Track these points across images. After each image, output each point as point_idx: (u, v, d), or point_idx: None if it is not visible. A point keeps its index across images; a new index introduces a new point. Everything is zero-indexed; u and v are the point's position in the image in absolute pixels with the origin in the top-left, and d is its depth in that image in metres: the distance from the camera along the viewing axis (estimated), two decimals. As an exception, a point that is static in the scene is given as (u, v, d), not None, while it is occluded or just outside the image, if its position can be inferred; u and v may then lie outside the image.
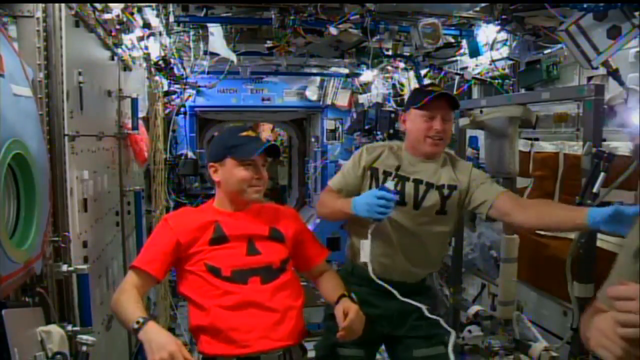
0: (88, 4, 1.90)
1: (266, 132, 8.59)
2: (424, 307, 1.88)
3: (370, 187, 2.10)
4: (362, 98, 5.43)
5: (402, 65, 3.94)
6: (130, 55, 2.73)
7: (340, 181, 2.20)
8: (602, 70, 2.20)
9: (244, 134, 1.90)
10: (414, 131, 2.11)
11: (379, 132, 4.52)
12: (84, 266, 1.61)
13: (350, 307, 1.79)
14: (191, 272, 1.77)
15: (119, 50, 2.47)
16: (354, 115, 5.67)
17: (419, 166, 2.09)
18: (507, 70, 3.16)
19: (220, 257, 1.77)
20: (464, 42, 3.31)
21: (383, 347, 2.25)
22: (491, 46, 3.08)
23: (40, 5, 1.49)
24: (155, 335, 1.52)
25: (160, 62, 3.43)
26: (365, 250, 1.92)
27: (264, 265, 1.79)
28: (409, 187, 2.07)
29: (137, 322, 1.54)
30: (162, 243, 1.79)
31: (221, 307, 1.71)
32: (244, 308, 1.72)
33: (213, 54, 3.35)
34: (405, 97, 4.16)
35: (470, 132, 3.16)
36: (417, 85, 3.72)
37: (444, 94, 2.07)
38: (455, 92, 3.66)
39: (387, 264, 2.06)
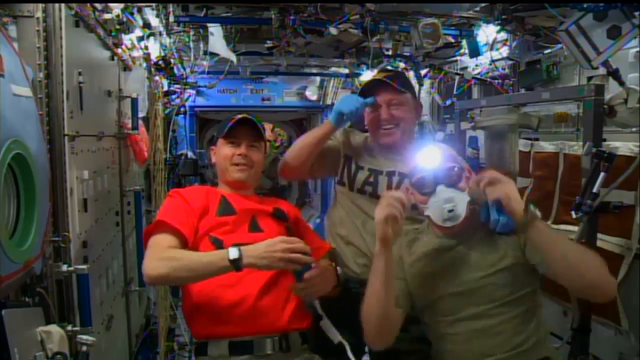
0: (88, 4, 1.90)
1: (266, 132, 8.58)
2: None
3: (342, 174, 2.07)
4: (362, 98, 5.42)
5: (402, 65, 3.94)
6: (130, 55, 2.72)
7: None
8: (602, 70, 2.20)
9: (237, 116, 1.91)
10: (368, 124, 2.06)
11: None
12: (84, 266, 1.60)
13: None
14: (195, 247, 1.72)
15: (119, 50, 2.47)
16: (354, 115, 5.66)
17: (390, 157, 2.02)
18: (507, 70, 3.16)
19: (224, 230, 1.74)
20: (464, 42, 3.31)
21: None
22: (491, 46, 3.09)
23: (40, 5, 1.49)
24: (260, 248, 1.55)
25: (160, 62, 3.43)
26: (332, 330, 1.78)
27: None
28: (382, 180, 2.00)
29: (234, 253, 1.52)
30: (185, 209, 1.74)
31: (220, 283, 1.66)
32: (243, 284, 1.67)
33: (213, 54, 3.35)
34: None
35: (470, 132, 3.16)
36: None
37: (383, 80, 1.98)
38: (455, 93, 3.67)
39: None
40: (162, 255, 1.61)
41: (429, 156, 1.66)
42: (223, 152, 1.88)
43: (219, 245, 1.70)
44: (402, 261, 1.75)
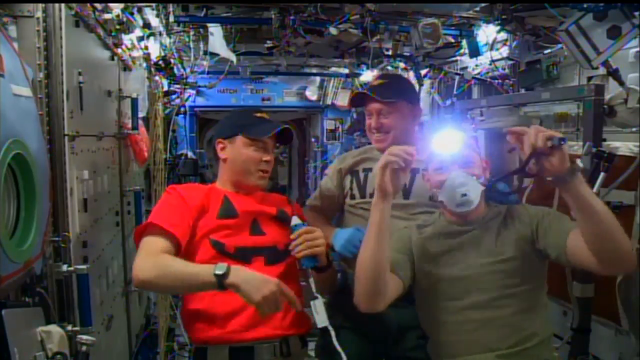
0: (88, 4, 1.90)
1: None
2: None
3: (351, 188, 2.07)
4: (362, 98, 5.43)
5: (402, 65, 3.95)
6: (130, 55, 2.73)
7: (316, 196, 2.18)
8: (602, 70, 2.20)
9: (259, 114, 1.87)
10: (366, 128, 2.12)
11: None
12: (84, 266, 1.59)
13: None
14: (194, 249, 1.69)
15: (119, 50, 2.47)
16: (354, 115, 5.67)
17: None
18: (507, 70, 3.17)
19: (225, 233, 1.71)
20: (464, 42, 3.32)
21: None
22: (491, 46, 3.09)
23: (40, 5, 1.49)
24: (251, 275, 1.47)
25: (160, 62, 3.43)
26: (321, 313, 1.64)
27: (269, 245, 1.73)
28: None
29: (221, 268, 1.43)
30: (181, 208, 1.69)
31: None
32: None
33: (213, 54, 3.35)
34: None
35: (470, 133, 3.16)
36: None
37: (365, 92, 2.01)
38: (455, 93, 3.67)
39: None
40: (152, 259, 1.56)
41: (445, 140, 1.63)
42: (248, 154, 1.79)
43: (219, 248, 1.68)
44: (410, 240, 1.73)
